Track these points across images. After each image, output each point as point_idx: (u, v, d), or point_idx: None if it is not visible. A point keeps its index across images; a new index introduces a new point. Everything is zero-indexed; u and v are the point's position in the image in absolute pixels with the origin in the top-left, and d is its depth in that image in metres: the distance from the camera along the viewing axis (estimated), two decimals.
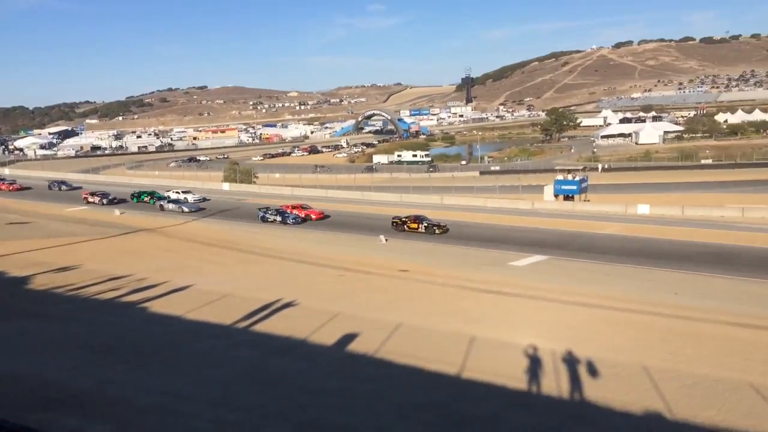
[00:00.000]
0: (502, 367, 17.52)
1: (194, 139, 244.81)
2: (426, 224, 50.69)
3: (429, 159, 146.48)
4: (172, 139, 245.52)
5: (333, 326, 21.61)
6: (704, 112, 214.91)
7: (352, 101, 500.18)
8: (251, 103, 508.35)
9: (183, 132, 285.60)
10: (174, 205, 64.82)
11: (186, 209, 63.74)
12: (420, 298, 28.88)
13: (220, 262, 38.78)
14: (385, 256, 40.98)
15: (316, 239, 48.60)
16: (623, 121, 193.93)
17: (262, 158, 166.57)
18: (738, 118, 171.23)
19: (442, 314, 25.01)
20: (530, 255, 41.26)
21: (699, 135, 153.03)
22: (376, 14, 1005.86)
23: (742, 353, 20.94)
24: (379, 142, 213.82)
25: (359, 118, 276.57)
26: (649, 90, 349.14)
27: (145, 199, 70.46)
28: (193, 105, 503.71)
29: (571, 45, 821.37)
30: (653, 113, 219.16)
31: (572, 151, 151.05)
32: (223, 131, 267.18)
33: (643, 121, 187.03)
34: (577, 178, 69.92)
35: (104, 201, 68.56)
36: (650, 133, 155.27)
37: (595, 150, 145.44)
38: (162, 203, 65.87)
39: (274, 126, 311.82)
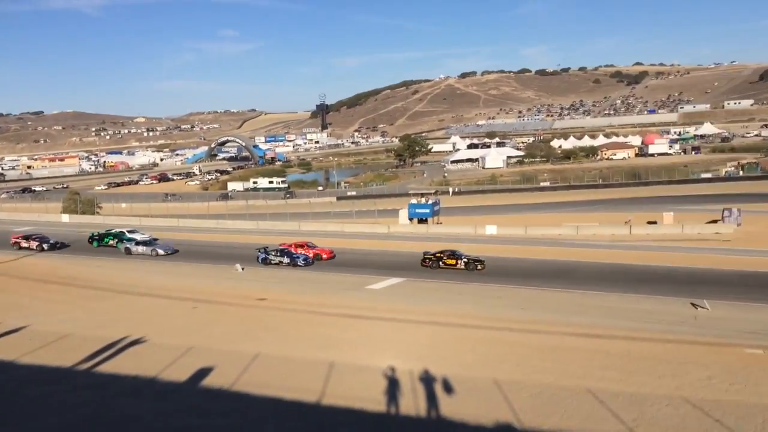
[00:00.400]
0: (361, 390, 17.57)
1: (28, 167, 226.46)
2: (466, 260, 45.62)
3: (286, 185, 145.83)
4: (2, 169, 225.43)
5: (186, 361, 20.61)
6: (541, 138, 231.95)
7: (205, 127, 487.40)
8: (93, 129, 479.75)
9: (16, 161, 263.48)
10: (144, 248, 54.41)
11: (162, 251, 53.61)
12: (278, 326, 28.39)
13: (60, 300, 35.86)
14: (242, 285, 39.99)
15: (167, 271, 46.45)
16: (471, 146, 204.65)
17: (106, 187, 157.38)
18: (570, 143, 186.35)
19: (302, 341, 24.73)
20: (388, 278, 42.04)
21: (538, 159, 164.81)
22: (228, 39, 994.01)
23: (581, 361, 22.56)
24: (234, 169, 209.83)
25: (213, 145, 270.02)
26: (493, 117, 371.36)
27: (111, 242, 58.24)
28: (28, 132, 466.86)
29: (420, 74, 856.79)
30: (497, 139, 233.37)
31: (425, 175, 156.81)
32: (62, 159, 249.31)
33: (489, 146, 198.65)
34: (430, 202, 72.55)
35: (44, 246, 56.64)
36: (495, 158, 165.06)
37: (445, 174, 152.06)
38: (129, 246, 55.19)
39: (120, 153, 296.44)
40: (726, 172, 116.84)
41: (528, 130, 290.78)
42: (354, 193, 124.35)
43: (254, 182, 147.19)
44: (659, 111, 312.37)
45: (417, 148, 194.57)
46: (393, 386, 18.01)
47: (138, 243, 55.34)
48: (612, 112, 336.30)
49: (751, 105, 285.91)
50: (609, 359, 22.91)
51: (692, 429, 16.67)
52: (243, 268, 45.90)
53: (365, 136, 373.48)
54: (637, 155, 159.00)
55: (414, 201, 74.08)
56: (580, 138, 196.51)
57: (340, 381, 18.68)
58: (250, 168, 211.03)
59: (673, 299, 35.10)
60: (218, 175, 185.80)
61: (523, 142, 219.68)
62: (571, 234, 61.72)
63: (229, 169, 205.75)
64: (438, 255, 46.54)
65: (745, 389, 19.96)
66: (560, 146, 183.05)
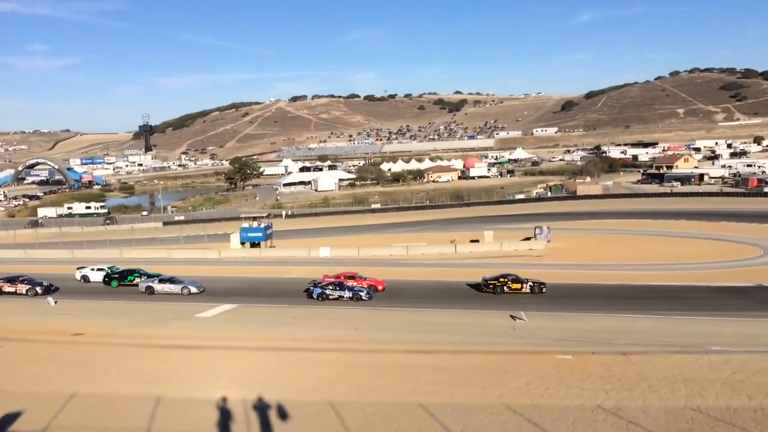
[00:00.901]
0: (190, 424, 16.73)
1: None
2: (531, 284, 43.58)
3: (105, 210, 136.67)
4: None
5: None
6: (371, 161, 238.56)
7: (11, 149, 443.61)
8: None
9: None
10: (173, 286, 47.03)
11: (194, 289, 46.58)
12: (97, 362, 26.24)
13: None
14: (55, 319, 36.57)
15: None
16: (303, 169, 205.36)
17: None
18: (399, 166, 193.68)
19: (124, 377, 23.04)
20: (219, 304, 40.66)
21: (369, 182, 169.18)
22: (37, 55, 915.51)
23: (413, 377, 23.22)
24: (45, 193, 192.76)
25: (20, 168, 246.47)
26: (324, 141, 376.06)
27: (136, 280, 50.38)
28: None
29: (251, 96, 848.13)
30: (329, 162, 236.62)
31: (257, 198, 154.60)
32: None
33: (321, 169, 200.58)
34: (262, 225, 71.56)
35: (37, 289, 47.35)
36: (327, 180, 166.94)
37: (278, 197, 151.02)
38: (151, 284, 47.50)
39: None
40: (537, 193, 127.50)
41: (359, 153, 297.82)
42: (182, 217, 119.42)
43: (69, 208, 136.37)
44: (478, 136, 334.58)
45: (248, 171, 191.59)
46: (225, 417, 17.35)
47: (162, 280, 47.89)
48: (436, 137, 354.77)
49: (555, 132, 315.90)
50: (438, 373, 23.80)
51: None
52: (56, 302, 42.06)
53: (193, 158, 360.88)
54: (459, 178, 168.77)
55: (246, 225, 72.70)
56: (407, 161, 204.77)
57: (168, 417, 17.65)
58: (64, 192, 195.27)
59: (494, 312, 37.38)
60: (27, 200, 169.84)
61: (354, 165, 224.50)
62: (401, 254, 63.77)
63: (40, 194, 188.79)
64: (502, 280, 44.14)
65: (558, 392, 21.65)
66: (389, 169, 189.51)
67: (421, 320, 35.85)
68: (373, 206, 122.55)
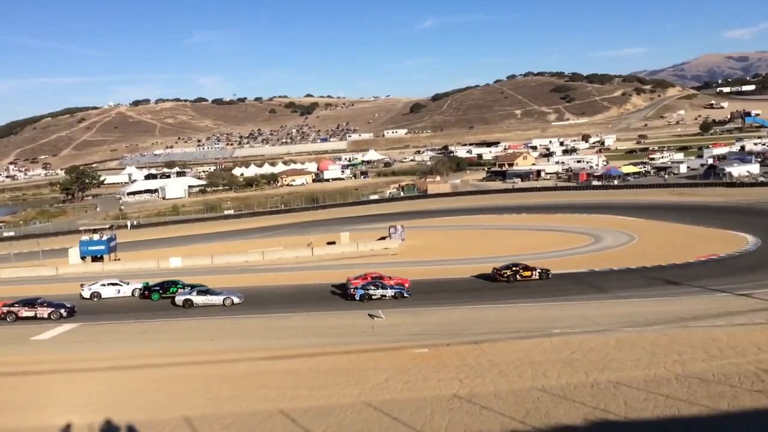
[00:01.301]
0: None
1: None
2: (539, 271, 45.78)
3: None
4: None
5: None
6: (223, 166, 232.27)
7: None
8: None
9: None
10: (214, 297, 42.85)
11: (236, 299, 42.74)
12: None
13: None
14: None
15: None
16: (149, 177, 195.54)
17: None
18: (252, 171, 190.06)
19: None
20: (57, 325, 37.60)
21: (221, 188, 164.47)
22: None
23: (273, 384, 22.83)
24: None
25: None
26: (171, 146, 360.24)
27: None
28: None
29: (87, 101, 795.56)
30: (177, 169, 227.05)
31: (98, 209, 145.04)
32: None
33: (168, 176, 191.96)
34: (105, 238, 67.17)
35: (62, 312, 40.58)
36: (176, 188, 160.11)
37: (122, 207, 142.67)
38: (188, 298, 42.78)
39: None
40: (390, 193, 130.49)
41: (209, 158, 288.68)
42: (12, 233, 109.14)
43: None
44: (331, 139, 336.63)
45: (87, 181, 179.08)
46: None
47: (201, 292, 43.46)
48: (289, 140, 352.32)
49: (405, 134, 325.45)
50: (299, 378, 23.58)
51: (374, 430, 17.95)
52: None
53: (23, 169, 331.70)
54: (314, 181, 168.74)
55: (86, 238, 67.83)
56: (260, 166, 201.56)
57: None
58: None
59: (352, 312, 37.71)
60: None
61: (204, 171, 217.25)
62: (257, 259, 62.59)
63: None
64: (514, 269, 45.71)
65: (416, 385, 22.24)
66: (242, 174, 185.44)
67: (280, 326, 35.38)
68: (227, 212, 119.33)
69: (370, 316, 35.68)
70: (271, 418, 18.00)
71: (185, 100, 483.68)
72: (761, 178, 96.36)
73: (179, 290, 44.76)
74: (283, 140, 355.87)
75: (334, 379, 23.16)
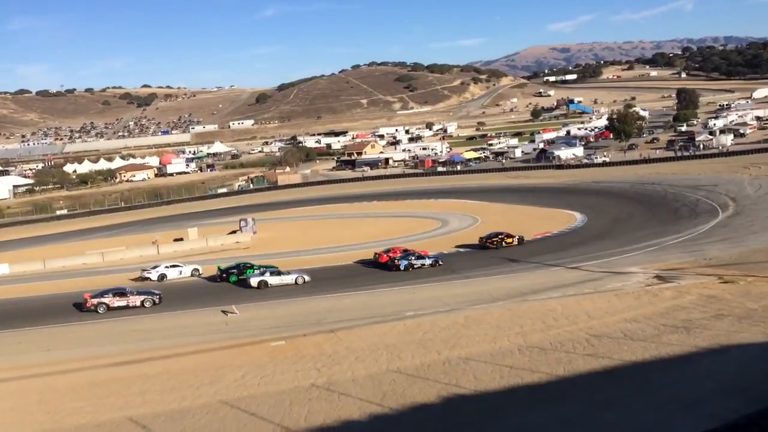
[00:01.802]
0: None
1: None
2: (517, 237, 50.96)
3: None
4: None
5: None
6: (52, 163, 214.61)
7: None
8: None
9: None
10: (287, 277, 43.32)
11: (307, 278, 43.28)
12: None
13: None
14: None
15: None
16: None
17: None
18: (86, 167, 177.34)
19: None
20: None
21: (51, 186, 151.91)
22: None
23: (120, 391, 21.55)
24: None
25: None
26: None
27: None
28: None
29: None
30: None
31: None
32: None
33: None
34: None
35: (154, 300, 39.78)
36: None
37: None
38: (263, 279, 43.06)
39: None
40: (239, 186, 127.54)
41: (36, 155, 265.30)
42: None
43: None
44: (173, 132, 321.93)
45: None
46: None
47: (274, 273, 43.77)
48: (126, 133, 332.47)
49: (252, 125, 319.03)
50: (149, 382, 22.48)
51: (231, 428, 17.55)
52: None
53: None
54: (156, 175, 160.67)
55: None
56: (96, 161, 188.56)
57: None
58: None
59: (205, 310, 36.52)
60: None
61: (31, 169, 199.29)
62: (97, 261, 58.74)
63: None
64: (500, 237, 50.47)
65: (274, 379, 22.01)
66: (75, 171, 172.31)
67: (125, 330, 33.47)
68: (59, 213, 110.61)
69: (224, 312, 34.77)
70: (120, 427, 17.00)
71: (5, 93, 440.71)
72: (585, 160, 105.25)
73: (255, 272, 44.76)
74: (120, 134, 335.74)
75: (188, 380, 22.34)
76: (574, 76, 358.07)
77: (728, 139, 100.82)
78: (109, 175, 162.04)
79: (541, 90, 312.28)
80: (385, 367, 22.30)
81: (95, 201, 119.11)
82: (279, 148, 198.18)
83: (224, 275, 46.16)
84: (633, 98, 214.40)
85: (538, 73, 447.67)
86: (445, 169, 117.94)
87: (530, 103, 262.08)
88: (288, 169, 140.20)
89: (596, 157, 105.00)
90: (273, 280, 42.94)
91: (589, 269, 38.50)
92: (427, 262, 44.93)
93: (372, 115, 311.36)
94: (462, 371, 21.02)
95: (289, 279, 43.12)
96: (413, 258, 44.97)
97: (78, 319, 36.99)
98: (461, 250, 51.25)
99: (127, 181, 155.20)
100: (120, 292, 40.00)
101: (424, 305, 32.19)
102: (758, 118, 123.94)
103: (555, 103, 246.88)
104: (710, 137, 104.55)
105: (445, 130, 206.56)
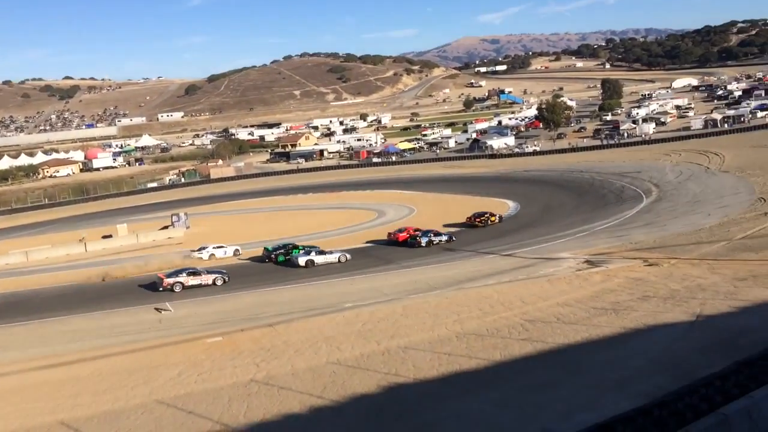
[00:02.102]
0: None
1: None
2: (499, 215, 54.84)
3: None
4: None
5: None
6: None
7: None
8: None
9: None
10: (330, 256, 45.20)
11: (348, 256, 45.22)
12: None
13: None
14: None
15: None
16: None
17: None
18: (6, 163, 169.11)
19: None
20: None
21: None
22: None
23: (50, 395, 20.78)
24: None
25: None
26: None
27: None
28: None
29: None
30: None
31: None
32: None
33: None
34: None
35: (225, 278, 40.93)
36: None
37: None
38: (311, 258, 44.60)
39: None
40: (170, 180, 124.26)
41: None
42: None
43: None
44: (98, 125, 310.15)
45: None
46: None
47: (319, 252, 45.53)
48: (48, 127, 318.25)
49: (182, 117, 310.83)
50: (80, 384, 21.77)
51: (169, 428, 17.21)
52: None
53: None
54: (82, 170, 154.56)
55: None
56: (16, 157, 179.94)
57: None
58: None
59: (137, 308, 35.57)
60: None
61: None
62: (20, 261, 56.21)
63: None
64: (486, 216, 53.30)
65: (212, 375, 21.68)
66: None
67: (55, 330, 32.22)
68: None
69: (157, 310, 33.95)
70: (51, 430, 16.39)
71: None
72: (516, 150, 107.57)
73: (300, 252, 45.79)
74: (42, 128, 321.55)
75: (121, 380, 21.73)
76: (504, 67, 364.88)
77: (650, 128, 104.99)
78: (31, 170, 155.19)
79: (473, 81, 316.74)
80: (324, 359, 22.29)
81: (17, 198, 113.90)
82: (211, 141, 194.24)
83: (272, 256, 47.17)
84: (561, 88, 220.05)
85: (469, 64, 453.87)
86: (380, 160, 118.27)
87: (462, 94, 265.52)
88: (221, 162, 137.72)
89: (527, 147, 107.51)
90: (318, 259, 44.74)
91: (522, 256, 39.44)
92: (444, 238, 48.11)
93: (305, 106, 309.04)
94: (401, 360, 21.23)
95: (332, 258, 44.92)
96: (432, 235, 48.01)
97: (16, 320, 35.29)
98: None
99: (51, 176, 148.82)
100: (194, 272, 41.20)
101: (362, 296, 32.29)
102: (678, 107, 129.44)
103: (486, 94, 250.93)
104: (633, 126, 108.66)
105: (380, 121, 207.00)
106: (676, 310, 23.43)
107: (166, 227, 65.57)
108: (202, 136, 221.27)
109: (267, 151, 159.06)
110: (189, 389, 20.52)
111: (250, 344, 25.15)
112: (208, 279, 40.61)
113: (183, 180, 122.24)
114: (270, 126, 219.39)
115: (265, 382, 20.43)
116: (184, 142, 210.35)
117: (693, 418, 10.79)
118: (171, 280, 39.67)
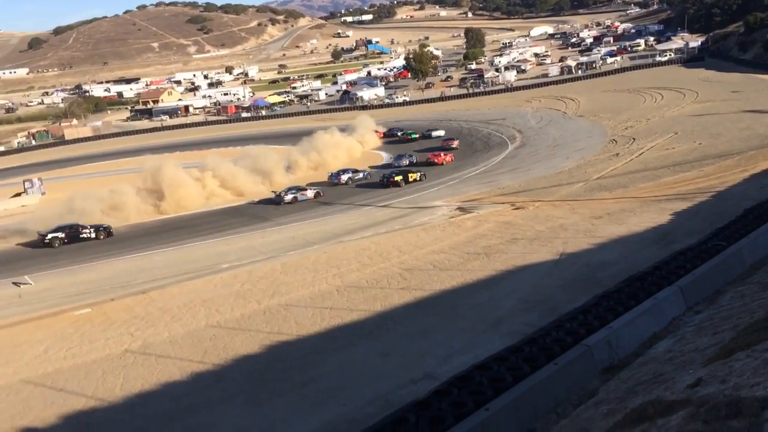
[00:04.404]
0: None
1: None
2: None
3: None
4: None
5: None
6: None
7: None
8: None
9: None
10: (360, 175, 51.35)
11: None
12: None
13: None
14: None
15: None
16: None
17: None
18: None
19: None
20: None
21: None
22: None
23: None
24: None
25: None
26: None
27: None
28: None
29: None
30: None
31: None
32: None
33: None
34: None
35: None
36: None
37: None
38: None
39: None
40: (18, 143, 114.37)
41: None
42: None
43: None
44: None
45: None
46: None
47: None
48: None
49: (27, 74, 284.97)
50: None
51: (38, 408, 16.28)
52: None
53: None
54: None
55: None
56: None
57: None
58: None
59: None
60: None
61: None
62: None
63: None
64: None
65: (82, 350, 20.59)
66: None
67: None
68: None
69: (15, 284, 31.50)
70: None
71: None
72: (387, 100, 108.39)
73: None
74: None
75: None
76: (370, 17, 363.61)
77: (512, 76, 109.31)
78: None
79: (340, 31, 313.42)
80: (204, 323, 21.78)
81: None
82: (63, 99, 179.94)
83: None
84: (426, 38, 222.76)
85: (335, 13, 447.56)
86: (249, 114, 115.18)
87: (330, 45, 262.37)
88: (75, 121, 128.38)
89: (397, 97, 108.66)
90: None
91: (397, 206, 40.17)
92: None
93: (166, 60, 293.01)
94: (283, 318, 21.17)
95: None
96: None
97: None
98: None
99: None
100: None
101: (239, 256, 31.65)
102: (536, 55, 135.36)
103: (354, 44, 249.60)
104: (497, 74, 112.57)
105: (246, 74, 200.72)
106: (542, 250, 24.91)
107: (18, 194, 60.60)
108: (53, 93, 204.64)
109: (127, 108, 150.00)
110: (58, 366, 19.40)
111: (123, 313, 24.04)
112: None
113: (34, 142, 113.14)
114: (128, 81, 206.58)
115: (142, 352, 19.70)
116: (32, 101, 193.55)
117: (560, 351, 11.57)
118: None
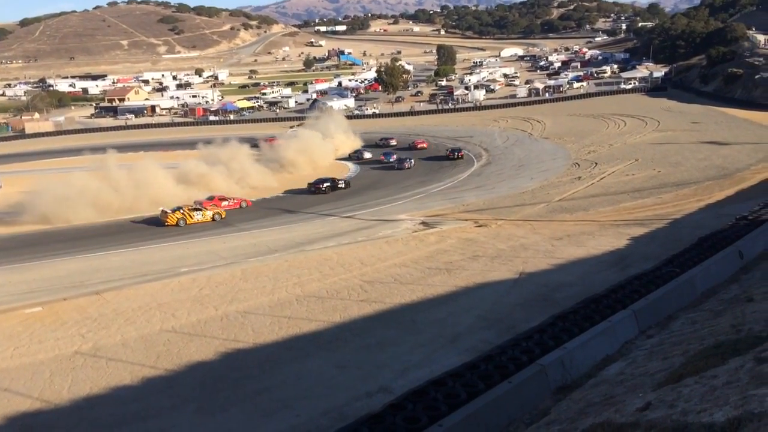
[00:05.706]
0: None
1: None
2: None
3: None
4: None
5: None
6: None
7: None
8: None
9: None
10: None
11: None
12: None
13: None
14: None
15: None
16: None
17: None
18: None
19: None
20: None
21: None
22: None
23: None
24: None
25: None
26: None
27: None
28: None
29: None
30: None
31: None
32: None
33: None
34: None
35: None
36: None
37: None
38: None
39: None
40: None
41: None
42: None
43: None
44: None
45: None
46: None
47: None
48: None
49: None
50: None
51: None
52: None
53: None
54: None
55: None
56: None
57: None
58: None
59: None
60: None
61: None
62: None
63: None
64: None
65: (30, 349, 20.04)
66: None
67: None
68: None
69: None
70: None
71: None
72: (356, 112, 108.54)
73: None
74: None
75: None
76: (344, 28, 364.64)
77: (481, 94, 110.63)
78: None
79: (313, 40, 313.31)
80: (158, 327, 21.39)
81: None
82: (25, 92, 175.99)
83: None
84: (399, 52, 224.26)
85: (309, 22, 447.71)
86: (217, 118, 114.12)
87: (302, 53, 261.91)
88: (37, 115, 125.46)
89: (366, 109, 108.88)
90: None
91: (362, 218, 40.14)
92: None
93: (134, 58, 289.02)
94: (240, 325, 20.93)
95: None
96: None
97: None
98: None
99: None
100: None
101: (199, 260, 31.21)
102: (505, 75, 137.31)
103: (327, 54, 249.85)
104: (466, 92, 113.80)
105: (216, 78, 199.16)
106: (502, 268, 25.15)
107: None
108: (15, 86, 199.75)
109: (91, 105, 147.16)
110: (4, 365, 18.85)
111: (75, 314, 23.46)
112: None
113: None
114: (94, 78, 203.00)
115: (92, 354, 19.24)
116: None
117: (515, 369, 11.68)
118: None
